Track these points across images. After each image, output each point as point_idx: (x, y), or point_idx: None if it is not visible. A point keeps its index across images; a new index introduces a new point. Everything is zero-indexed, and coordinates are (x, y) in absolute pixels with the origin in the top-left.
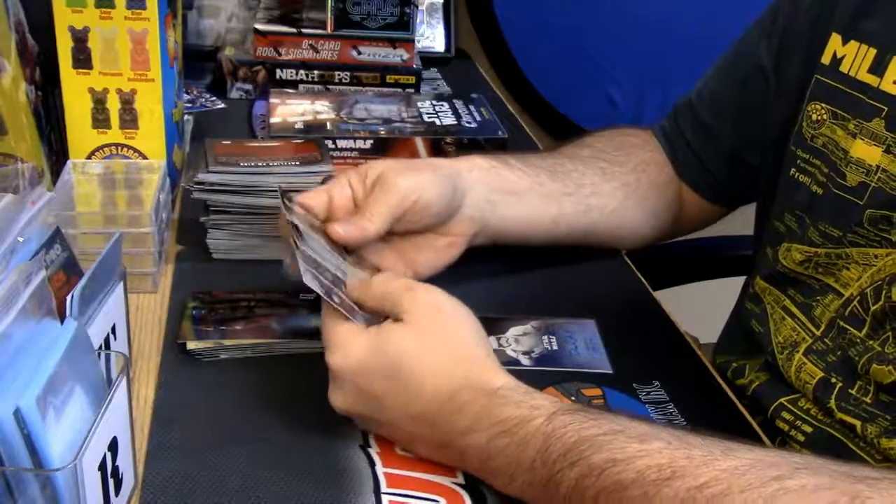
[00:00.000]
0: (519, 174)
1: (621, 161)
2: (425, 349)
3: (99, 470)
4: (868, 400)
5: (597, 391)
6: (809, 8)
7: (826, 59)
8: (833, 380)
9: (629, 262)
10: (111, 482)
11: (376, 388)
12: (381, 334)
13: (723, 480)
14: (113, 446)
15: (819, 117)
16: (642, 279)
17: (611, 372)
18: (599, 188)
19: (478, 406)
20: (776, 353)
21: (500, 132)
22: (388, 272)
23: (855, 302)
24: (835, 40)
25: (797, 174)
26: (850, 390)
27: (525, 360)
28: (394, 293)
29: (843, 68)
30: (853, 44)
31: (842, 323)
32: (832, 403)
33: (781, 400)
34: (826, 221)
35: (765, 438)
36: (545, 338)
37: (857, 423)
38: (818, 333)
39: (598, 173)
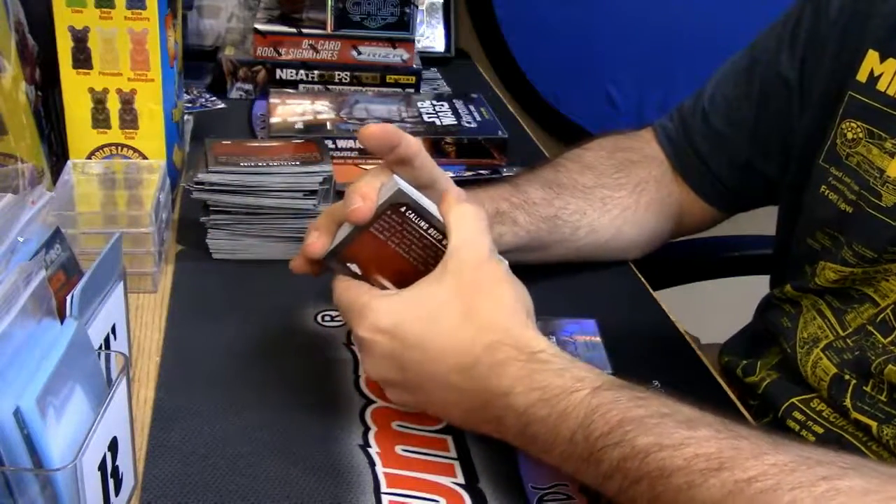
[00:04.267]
0: (516, 231)
1: (621, 183)
2: (466, 294)
3: (99, 470)
4: (883, 398)
5: None
6: (837, 19)
7: (862, 76)
8: (846, 377)
9: (629, 262)
10: (111, 482)
11: (410, 338)
12: (416, 288)
13: (772, 476)
14: (113, 446)
15: (855, 136)
16: (642, 279)
17: (611, 372)
18: (598, 223)
19: (517, 366)
20: (797, 348)
21: (500, 132)
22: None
23: (888, 310)
24: (871, 57)
25: (827, 191)
26: (864, 387)
27: None
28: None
29: (881, 86)
30: (892, 61)
31: (870, 328)
32: (847, 402)
33: (793, 399)
34: (860, 242)
35: None
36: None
37: (873, 425)
38: (843, 334)
39: (599, 205)
